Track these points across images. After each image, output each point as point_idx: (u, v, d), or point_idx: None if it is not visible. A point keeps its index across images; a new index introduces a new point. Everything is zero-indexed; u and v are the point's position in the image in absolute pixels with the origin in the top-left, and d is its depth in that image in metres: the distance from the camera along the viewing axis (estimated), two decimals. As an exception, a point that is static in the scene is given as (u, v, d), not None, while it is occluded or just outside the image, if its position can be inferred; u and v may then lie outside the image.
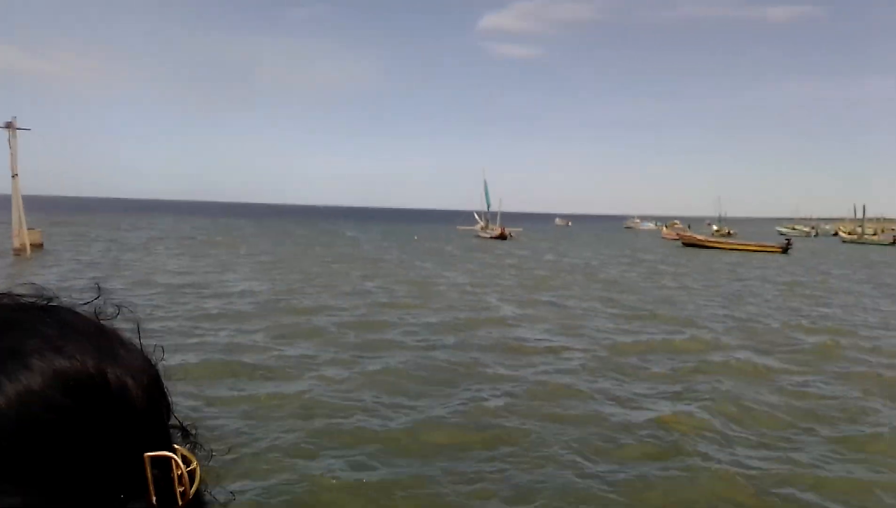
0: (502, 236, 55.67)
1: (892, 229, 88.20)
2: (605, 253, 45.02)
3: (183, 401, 0.58)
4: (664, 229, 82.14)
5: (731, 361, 11.58)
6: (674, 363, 11.38)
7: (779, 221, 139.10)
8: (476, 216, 64.87)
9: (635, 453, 7.18)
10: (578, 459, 6.90)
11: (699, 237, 54.81)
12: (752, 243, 52.20)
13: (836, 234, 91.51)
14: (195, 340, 12.00)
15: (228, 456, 3.72)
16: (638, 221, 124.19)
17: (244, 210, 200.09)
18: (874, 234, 78.42)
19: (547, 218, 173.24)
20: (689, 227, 73.32)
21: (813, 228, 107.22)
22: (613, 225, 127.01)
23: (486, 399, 8.86)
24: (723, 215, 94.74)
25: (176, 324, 13.43)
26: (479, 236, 58.77)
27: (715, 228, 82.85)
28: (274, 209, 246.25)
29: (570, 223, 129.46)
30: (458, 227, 72.58)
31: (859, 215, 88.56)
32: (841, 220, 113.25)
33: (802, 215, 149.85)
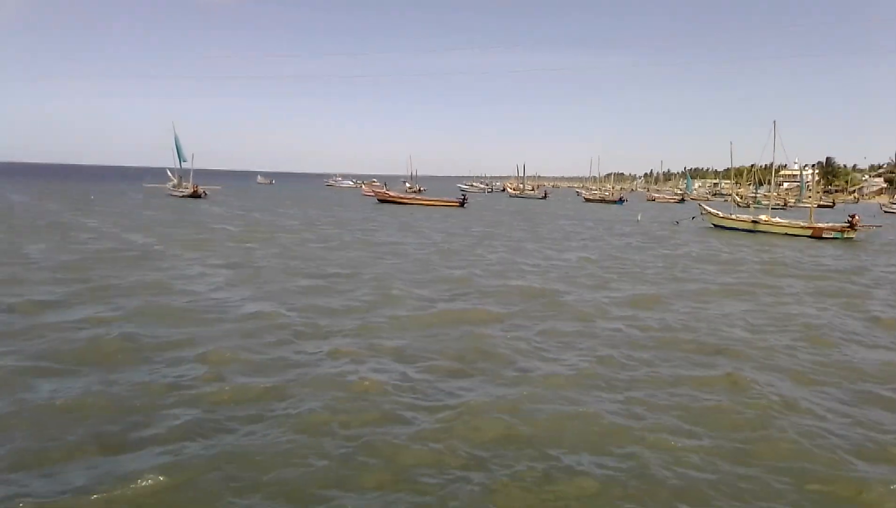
0: (196, 195, 52.26)
1: (543, 186, 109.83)
2: (296, 214, 45.58)
3: None
4: (363, 186, 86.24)
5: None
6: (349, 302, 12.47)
7: (461, 179, 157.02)
8: (169, 173, 59.34)
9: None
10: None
11: (392, 194, 59.69)
12: (437, 198, 59.84)
13: (503, 190, 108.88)
14: None
15: None
16: (339, 179, 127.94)
17: None
18: (532, 189, 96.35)
19: (249, 176, 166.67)
20: (385, 185, 77.83)
21: (487, 184, 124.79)
22: (316, 183, 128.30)
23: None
24: (414, 173, 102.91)
25: None
26: (171, 195, 54.20)
27: (408, 185, 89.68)
28: None
29: (273, 181, 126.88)
30: (144, 184, 65.88)
31: (521, 174, 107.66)
32: (508, 178, 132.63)
33: (479, 173, 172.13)
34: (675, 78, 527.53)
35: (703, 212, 39.09)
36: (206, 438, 6.08)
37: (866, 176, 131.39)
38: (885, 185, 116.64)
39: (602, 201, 78.94)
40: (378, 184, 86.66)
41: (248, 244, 21.86)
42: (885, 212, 67.80)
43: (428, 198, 61.16)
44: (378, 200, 57.01)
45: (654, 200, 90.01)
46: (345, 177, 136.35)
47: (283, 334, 9.88)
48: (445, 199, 58.32)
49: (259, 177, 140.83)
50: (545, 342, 9.99)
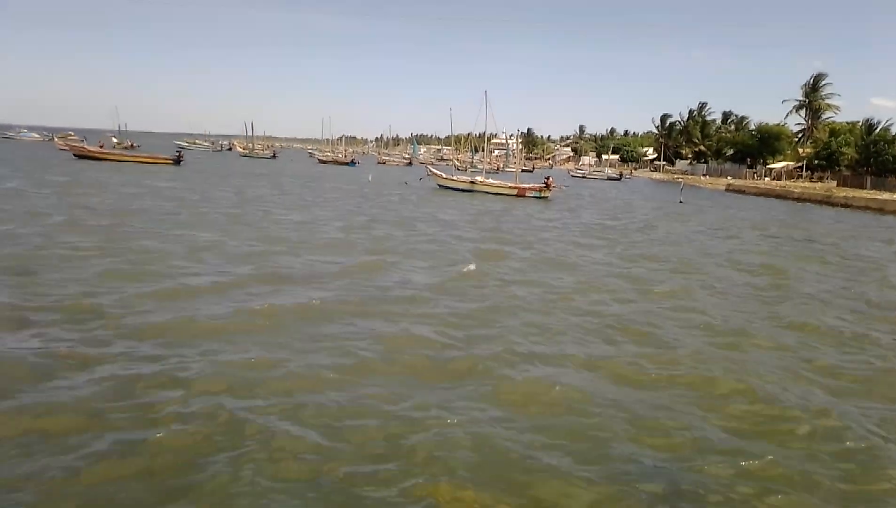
0: None
1: (273, 146, 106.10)
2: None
3: None
4: (57, 140, 73.72)
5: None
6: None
7: (178, 135, 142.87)
8: None
9: None
10: None
11: (91, 149, 52.14)
12: (146, 155, 53.27)
13: (231, 148, 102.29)
14: None
15: None
16: (25, 131, 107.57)
17: None
18: (264, 149, 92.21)
19: None
20: (84, 139, 67.14)
21: (213, 143, 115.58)
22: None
23: None
24: (122, 128, 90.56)
25: None
26: None
27: (115, 140, 78.55)
28: None
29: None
30: None
31: (250, 134, 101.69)
32: (235, 137, 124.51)
33: (203, 131, 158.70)
34: (401, 41, 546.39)
35: (430, 173, 42.57)
36: None
37: (558, 146, 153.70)
38: (571, 153, 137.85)
39: (335, 162, 79.24)
40: (75, 137, 74.28)
41: None
42: (572, 176, 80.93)
43: (135, 154, 53.94)
44: (75, 155, 48.96)
45: (384, 162, 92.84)
46: (31, 129, 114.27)
47: None
48: (157, 155, 52.35)
49: None
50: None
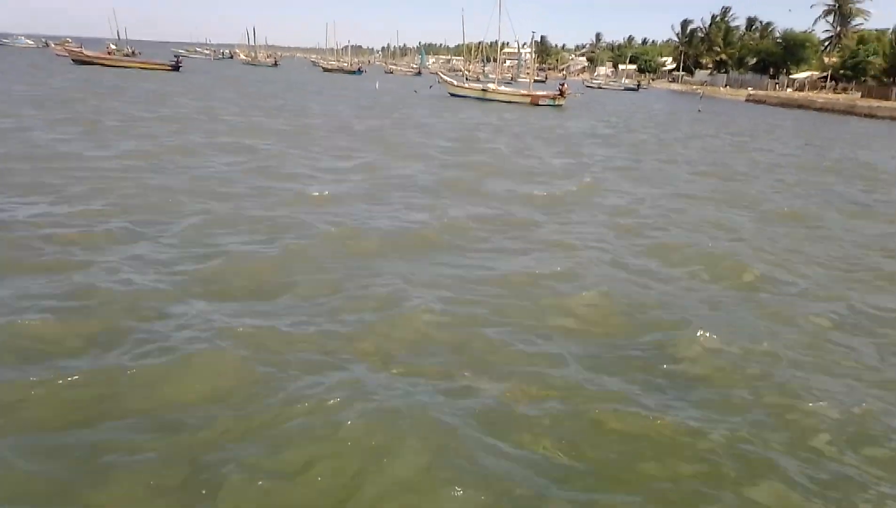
0: None
1: (275, 55, 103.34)
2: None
3: None
4: (53, 46, 72.73)
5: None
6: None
7: (179, 44, 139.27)
8: None
9: None
10: None
11: (90, 54, 50.76)
12: (145, 60, 52.10)
13: (231, 57, 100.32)
14: None
15: None
16: (20, 38, 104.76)
17: None
18: (266, 57, 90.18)
19: None
20: (81, 46, 65.32)
21: (214, 51, 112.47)
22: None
23: None
24: (122, 35, 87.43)
25: None
26: None
27: (113, 47, 76.10)
28: None
29: None
30: None
31: (252, 43, 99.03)
32: (238, 46, 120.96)
33: (202, 39, 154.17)
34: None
35: (441, 81, 41.20)
36: None
37: (573, 56, 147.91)
38: (587, 63, 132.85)
39: (341, 70, 77.06)
40: (72, 44, 71.91)
41: None
42: (587, 87, 78.24)
43: (134, 60, 52.54)
44: (73, 60, 47.87)
45: (391, 72, 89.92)
46: (28, 36, 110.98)
47: None
48: (155, 61, 51.01)
49: None
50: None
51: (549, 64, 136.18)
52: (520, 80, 70.27)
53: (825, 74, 69.01)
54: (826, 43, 75.48)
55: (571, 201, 10.21)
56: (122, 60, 51.34)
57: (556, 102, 35.51)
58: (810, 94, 61.76)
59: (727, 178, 13.77)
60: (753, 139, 24.15)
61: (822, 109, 48.24)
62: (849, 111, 45.20)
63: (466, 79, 51.96)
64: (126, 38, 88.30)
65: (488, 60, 78.11)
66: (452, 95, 38.18)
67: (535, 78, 57.48)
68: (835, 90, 64.37)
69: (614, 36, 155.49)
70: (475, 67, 79.71)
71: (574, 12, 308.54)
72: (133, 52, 72.38)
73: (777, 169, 15.89)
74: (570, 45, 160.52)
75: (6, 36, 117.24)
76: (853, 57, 63.21)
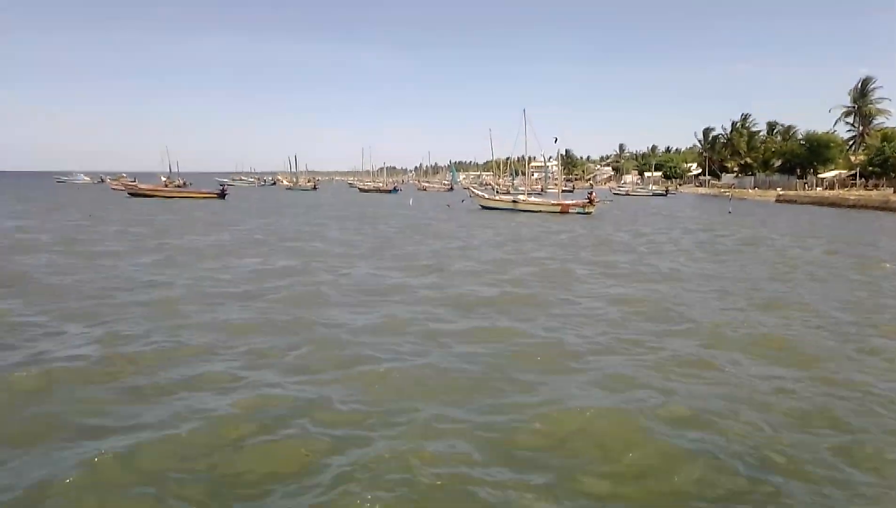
0: None
1: (315, 179, 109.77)
2: None
3: None
4: (110, 181, 78.63)
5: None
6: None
7: (225, 174, 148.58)
8: None
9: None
10: None
11: (143, 187, 55.72)
12: (194, 190, 56.51)
13: (274, 183, 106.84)
14: None
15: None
16: (80, 176, 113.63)
17: None
18: (308, 182, 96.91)
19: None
20: (134, 180, 71.03)
21: (258, 178, 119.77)
22: (45, 182, 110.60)
23: None
24: (174, 169, 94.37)
25: None
26: None
27: (164, 179, 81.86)
28: None
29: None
30: None
31: (293, 168, 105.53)
32: (281, 172, 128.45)
33: (247, 168, 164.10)
34: (428, 71, 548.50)
35: (472, 195, 43.04)
36: None
37: (598, 166, 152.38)
38: (612, 172, 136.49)
39: (378, 190, 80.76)
40: (127, 179, 77.79)
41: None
42: (615, 194, 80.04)
43: (184, 190, 56.91)
44: (129, 194, 52.22)
45: (425, 189, 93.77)
46: (86, 173, 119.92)
47: None
48: (203, 191, 55.19)
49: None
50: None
51: (576, 174, 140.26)
52: (548, 190, 72.44)
53: (853, 171, 69.45)
54: (850, 142, 76.59)
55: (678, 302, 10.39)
56: (173, 192, 55.41)
57: (586, 210, 36.35)
58: (841, 191, 61.93)
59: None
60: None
61: (854, 205, 48.22)
62: (883, 207, 45.07)
63: (497, 192, 54.03)
64: (178, 171, 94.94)
65: (516, 174, 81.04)
66: (484, 207, 39.51)
67: (563, 188, 59.35)
68: (866, 187, 64.46)
69: (637, 146, 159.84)
70: (504, 180, 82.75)
71: (596, 124, 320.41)
72: (184, 183, 77.75)
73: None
74: (595, 157, 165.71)
75: (67, 174, 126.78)
76: (880, 154, 63.76)
